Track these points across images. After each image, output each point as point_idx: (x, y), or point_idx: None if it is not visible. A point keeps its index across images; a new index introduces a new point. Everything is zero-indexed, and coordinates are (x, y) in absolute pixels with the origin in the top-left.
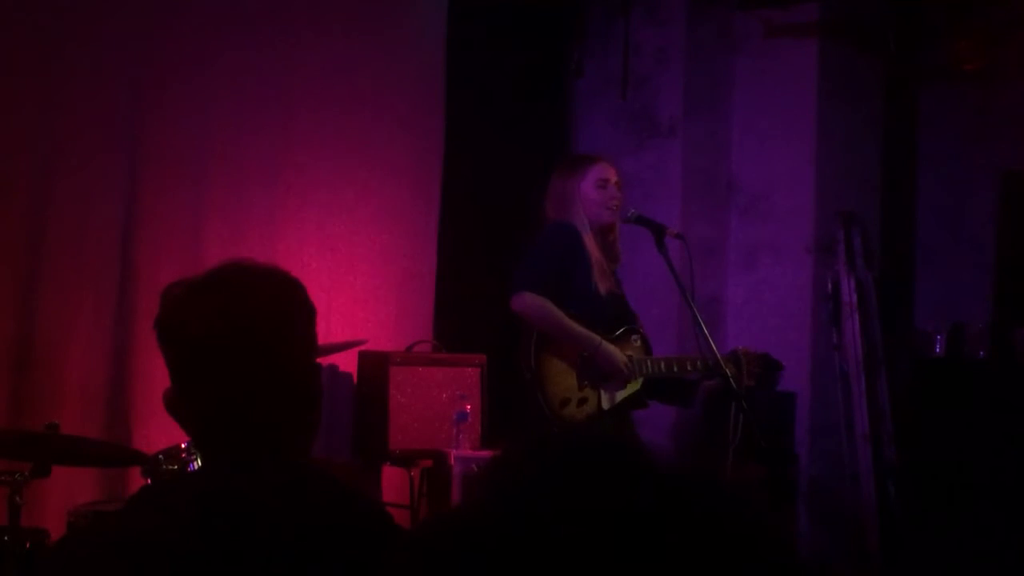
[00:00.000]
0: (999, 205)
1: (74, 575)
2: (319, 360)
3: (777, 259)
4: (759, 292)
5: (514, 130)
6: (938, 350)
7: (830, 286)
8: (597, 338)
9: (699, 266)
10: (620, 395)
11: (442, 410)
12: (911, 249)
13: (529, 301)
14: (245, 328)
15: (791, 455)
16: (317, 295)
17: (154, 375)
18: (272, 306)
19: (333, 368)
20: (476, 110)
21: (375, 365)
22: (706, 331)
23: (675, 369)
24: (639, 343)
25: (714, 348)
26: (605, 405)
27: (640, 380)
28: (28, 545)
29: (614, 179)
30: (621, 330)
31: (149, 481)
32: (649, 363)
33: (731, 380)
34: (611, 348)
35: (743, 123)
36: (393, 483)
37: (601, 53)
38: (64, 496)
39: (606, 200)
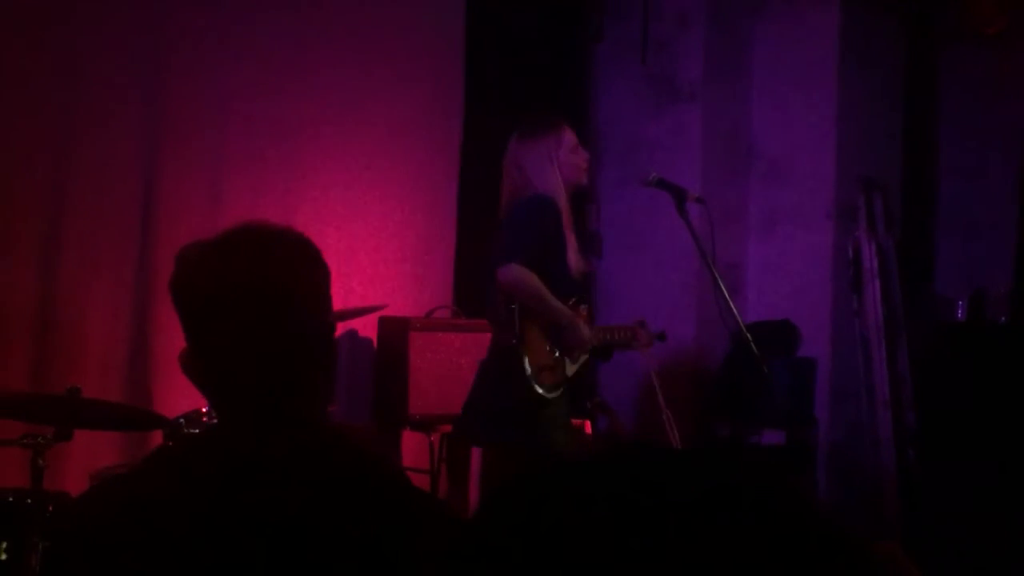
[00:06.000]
0: (1021, 168)
1: (86, 536)
2: (339, 325)
3: (797, 224)
4: (779, 257)
5: (533, 95)
6: (960, 315)
7: (851, 251)
8: (570, 313)
9: (718, 231)
10: (579, 363)
11: (462, 375)
12: (932, 213)
13: (518, 273)
14: (258, 288)
15: (811, 420)
16: (337, 260)
17: (175, 339)
18: (285, 266)
19: (353, 333)
20: (495, 74)
21: (395, 330)
22: (727, 296)
23: (617, 338)
24: (586, 312)
25: (735, 313)
26: (569, 373)
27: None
28: (51, 508)
29: (577, 140)
30: (572, 300)
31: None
32: (601, 332)
33: (752, 346)
34: (580, 323)
35: (764, 87)
36: (412, 448)
37: (621, 17)
38: (86, 459)
39: (582, 163)
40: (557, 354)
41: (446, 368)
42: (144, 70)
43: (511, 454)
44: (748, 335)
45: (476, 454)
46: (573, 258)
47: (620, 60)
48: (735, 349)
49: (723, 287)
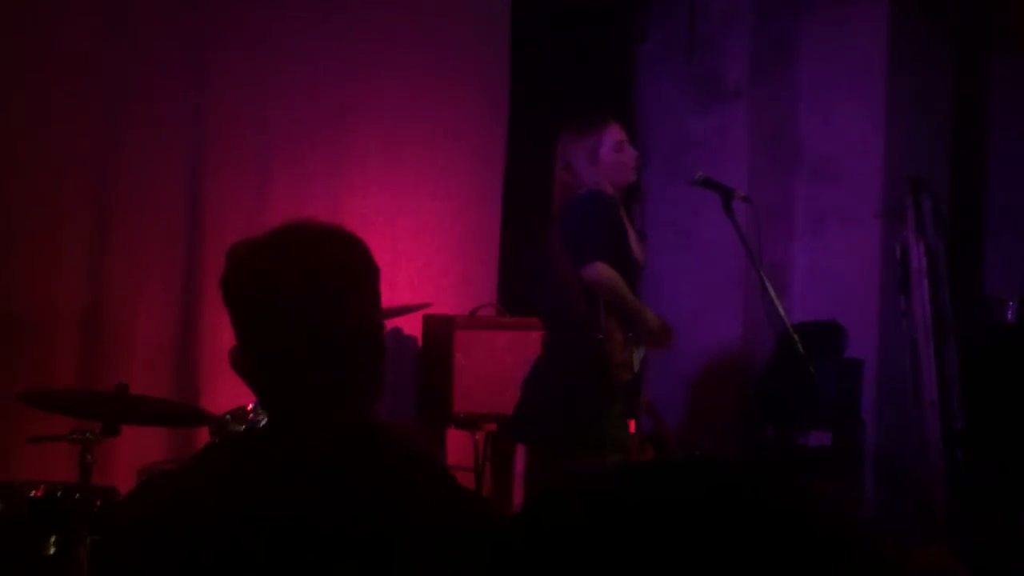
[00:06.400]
0: None
1: (134, 531)
2: (384, 322)
3: (845, 224)
4: (826, 257)
5: (578, 95)
6: (1009, 316)
7: (899, 252)
8: (644, 307)
9: (765, 230)
10: (640, 359)
11: (506, 374)
12: (982, 214)
13: (604, 272)
14: (308, 286)
15: (858, 422)
16: (382, 259)
17: (222, 335)
18: (335, 264)
19: (398, 331)
20: (540, 74)
21: (440, 328)
22: (774, 296)
23: None
24: None
25: (782, 314)
26: (636, 368)
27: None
28: (99, 503)
29: (626, 137)
30: None
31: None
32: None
33: (799, 346)
34: (653, 319)
35: (810, 86)
36: (457, 446)
37: (665, 16)
38: (134, 455)
39: (629, 161)
40: (630, 350)
41: (491, 366)
42: (190, 71)
43: (568, 452)
44: (795, 335)
45: (521, 452)
46: (636, 249)
47: (665, 59)
48: (781, 349)
49: (770, 287)
